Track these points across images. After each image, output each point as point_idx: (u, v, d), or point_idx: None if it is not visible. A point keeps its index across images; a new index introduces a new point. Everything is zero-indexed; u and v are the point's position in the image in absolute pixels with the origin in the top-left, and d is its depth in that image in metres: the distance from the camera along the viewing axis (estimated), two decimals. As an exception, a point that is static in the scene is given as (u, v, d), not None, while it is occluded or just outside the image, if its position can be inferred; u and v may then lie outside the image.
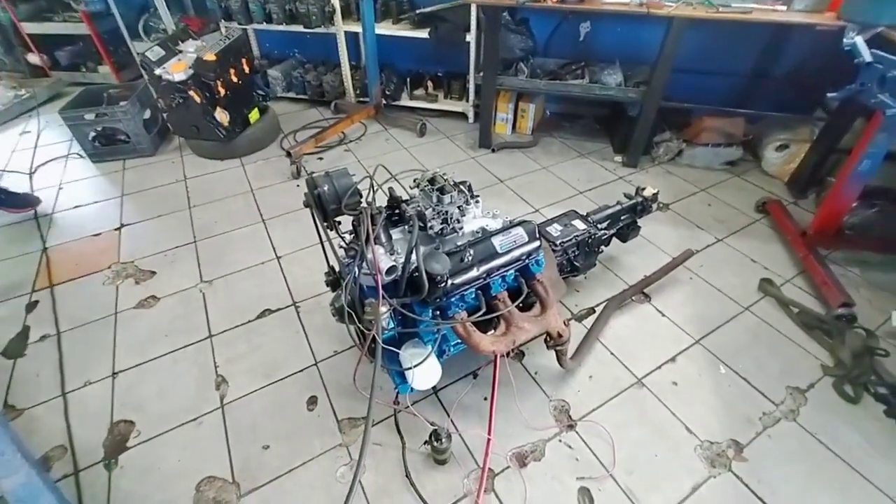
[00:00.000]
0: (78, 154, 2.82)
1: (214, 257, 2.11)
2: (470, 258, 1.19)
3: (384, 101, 3.27)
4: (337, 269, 1.44)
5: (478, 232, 1.33)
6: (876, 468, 1.38)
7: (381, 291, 1.08)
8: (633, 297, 1.90)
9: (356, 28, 3.00)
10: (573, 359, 1.59)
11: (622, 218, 1.90)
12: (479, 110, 2.99)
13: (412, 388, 1.26)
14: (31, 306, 1.86)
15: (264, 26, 3.22)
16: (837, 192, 1.87)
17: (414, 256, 1.09)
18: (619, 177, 2.71)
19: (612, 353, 1.70)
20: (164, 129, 3.00)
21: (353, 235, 1.27)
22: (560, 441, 1.43)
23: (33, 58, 3.59)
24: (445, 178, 1.27)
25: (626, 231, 1.94)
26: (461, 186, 1.34)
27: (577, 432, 1.45)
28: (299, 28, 3.09)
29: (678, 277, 2.01)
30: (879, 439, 1.45)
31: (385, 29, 2.97)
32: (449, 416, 1.48)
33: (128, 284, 1.95)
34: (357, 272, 1.12)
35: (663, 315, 1.85)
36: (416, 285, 1.13)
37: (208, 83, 2.51)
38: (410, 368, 1.17)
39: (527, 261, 1.30)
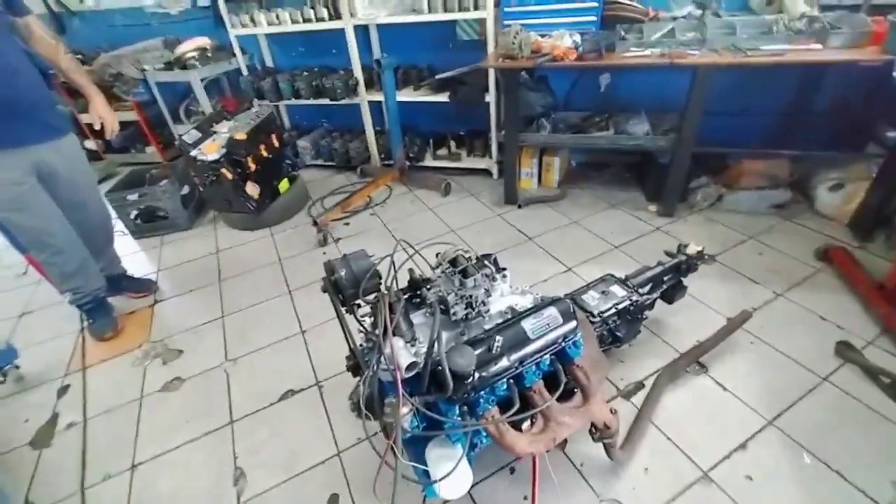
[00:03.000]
0: (122, 232, 2.97)
1: (241, 333, 2.08)
2: (499, 347, 1.08)
3: (408, 163, 3.32)
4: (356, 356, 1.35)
5: (506, 312, 1.22)
6: None
7: (400, 390, 0.98)
8: (687, 369, 1.70)
9: (379, 97, 3.11)
10: (623, 448, 1.39)
11: (665, 279, 1.75)
12: (503, 167, 2.97)
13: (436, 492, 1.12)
14: (62, 391, 1.86)
15: (293, 102, 3.40)
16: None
17: (436, 351, 0.98)
18: (656, 227, 2.56)
19: (668, 439, 1.48)
20: (200, 203, 3.14)
21: (372, 320, 1.20)
22: (615, 552, 1.22)
23: (89, 143, 3.93)
24: (468, 257, 1.18)
25: (672, 292, 1.78)
26: (486, 262, 1.25)
27: (635, 541, 1.24)
28: (326, 101, 3.24)
29: (737, 342, 1.79)
30: None
31: (406, 96, 3.07)
32: (485, 520, 1.30)
33: (156, 365, 1.94)
34: (375, 367, 1.02)
35: (725, 389, 1.63)
36: (439, 380, 1.02)
37: (239, 160, 2.62)
38: (437, 481, 1.03)
39: (563, 344, 1.17)
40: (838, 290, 2.00)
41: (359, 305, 1.22)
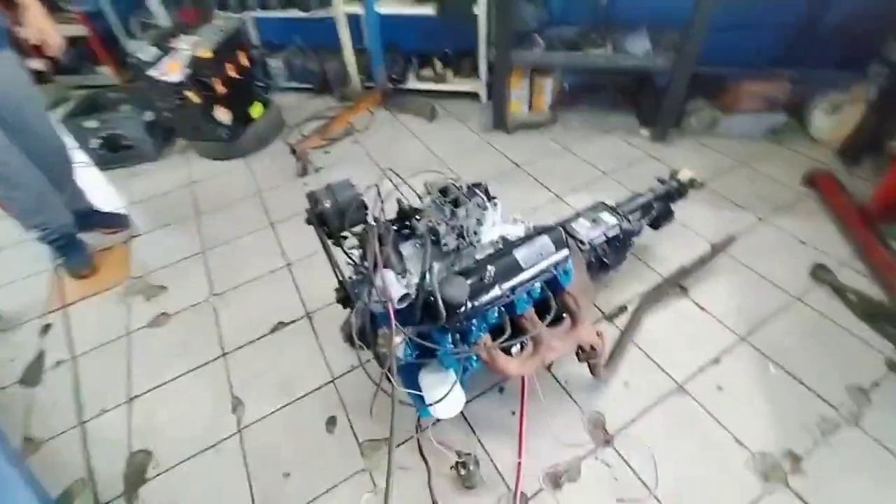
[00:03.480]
0: (86, 163, 2.77)
1: (225, 267, 2.04)
2: (491, 276, 1.07)
3: (391, 86, 3.09)
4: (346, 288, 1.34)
5: (498, 242, 1.20)
6: (956, 480, 1.23)
7: (393, 322, 0.98)
8: (669, 292, 1.75)
9: (357, 9, 2.80)
10: (607, 367, 1.47)
11: (655, 206, 1.73)
12: (493, 89, 2.79)
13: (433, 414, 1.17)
14: (44, 329, 1.84)
15: (260, 13, 3.04)
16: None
17: (429, 282, 0.97)
18: (648, 154, 2.50)
19: (648, 357, 1.57)
20: (168, 131, 2.91)
21: (361, 251, 1.17)
22: (596, 459, 1.33)
23: (35, 63, 3.51)
24: (459, 186, 1.13)
25: (660, 218, 1.77)
26: (477, 191, 1.20)
27: (614, 448, 1.35)
28: (297, 14, 2.91)
29: (718, 266, 1.84)
30: (959, 446, 1.30)
31: (387, 7, 2.77)
32: (475, 434, 1.39)
33: (139, 301, 1.91)
34: (367, 299, 1.01)
35: (703, 310, 1.70)
36: (432, 311, 1.02)
37: (206, 82, 2.39)
38: (433, 405, 1.07)
39: (554, 272, 1.17)
40: (820, 215, 2.04)
41: (345, 237, 1.18)
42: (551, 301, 1.19)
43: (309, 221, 1.17)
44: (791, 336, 1.59)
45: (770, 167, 2.32)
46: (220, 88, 2.46)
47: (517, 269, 1.11)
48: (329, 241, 1.17)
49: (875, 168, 2.22)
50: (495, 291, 1.08)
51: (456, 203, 1.08)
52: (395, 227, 1.16)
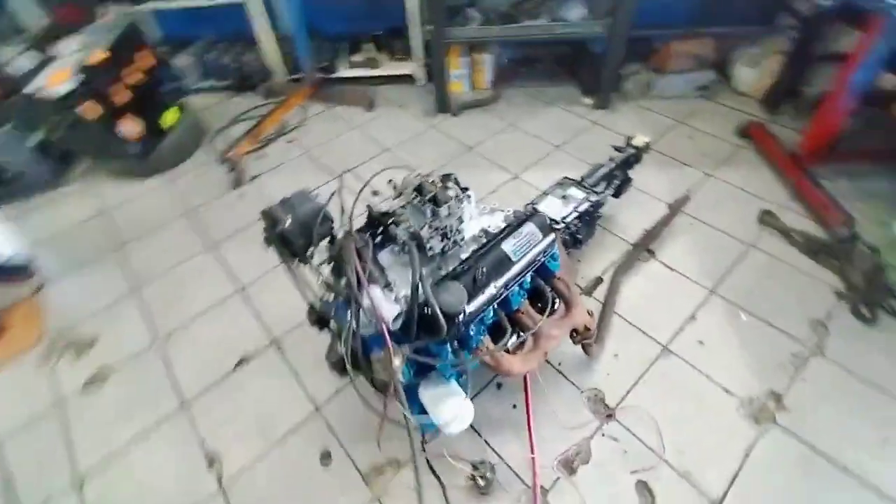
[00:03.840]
0: (-39, 203, 2.31)
1: (164, 304, 1.80)
2: (483, 275, 0.99)
3: (321, 76, 2.86)
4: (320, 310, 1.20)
5: (480, 236, 1.12)
6: (907, 388, 1.37)
7: (390, 344, 0.87)
8: (640, 257, 1.78)
9: (269, -8, 2.53)
10: (597, 342, 1.47)
11: (616, 174, 1.74)
12: (431, 70, 2.67)
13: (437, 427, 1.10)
14: (-49, 413, 1.52)
15: (159, 3, 2.66)
16: (830, 107, 1.77)
17: (422, 293, 0.87)
18: (594, 122, 2.52)
19: (630, 324, 1.59)
20: (66, 152, 2.49)
21: (331, 267, 1.04)
22: (603, 435, 1.33)
23: None
24: (433, 181, 1.03)
25: (621, 187, 1.79)
26: (448, 184, 1.11)
27: (618, 421, 1.36)
28: (202, 0, 2.57)
29: (678, 224, 1.90)
30: (906, 359, 1.44)
31: (304, -11, 2.52)
32: (481, 436, 1.34)
33: (67, 361, 1.63)
34: (355, 324, 0.90)
35: (672, 270, 1.75)
36: (428, 323, 0.93)
37: (103, 90, 2.05)
38: (444, 426, 0.99)
39: (543, 259, 1.12)
40: (758, 164, 2.16)
41: (312, 255, 1.05)
42: (544, 290, 1.15)
43: (269, 243, 1.02)
44: (752, 281, 1.68)
45: (706, 123, 2.43)
46: (122, 97, 2.13)
47: (508, 262, 1.05)
48: (295, 263, 1.03)
49: (794, 113, 2.39)
50: (490, 290, 1.01)
51: (435, 201, 0.98)
52: (371, 239, 1.04)
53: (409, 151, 2.43)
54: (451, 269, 1.02)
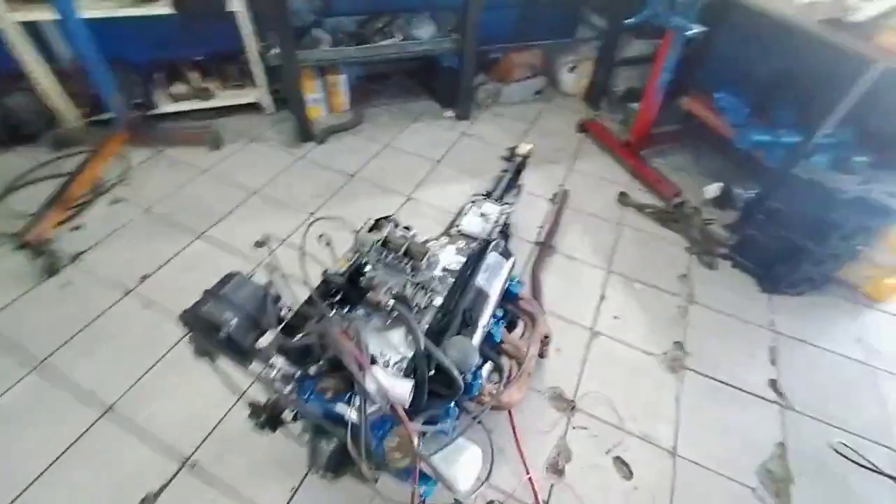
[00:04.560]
0: None
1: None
2: (470, 318, 0.94)
3: (138, 114, 2.30)
4: (271, 404, 0.98)
5: (445, 276, 1.06)
6: (749, 309, 1.81)
7: (409, 426, 0.76)
8: (547, 254, 1.95)
9: (43, 15, 1.90)
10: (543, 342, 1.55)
11: (512, 183, 1.85)
12: (283, 96, 2.43)
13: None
14: None
15: None
16: (648, 102, 2.21)
17: (440, 360, 0.78)
18: (462, 133, 2.64)
19: (560, 317, 1.72)
20: None
21: (283, 358, 0.85)
22: (574, 428, 1.42)
23: None
24: (399, 230, 0.92)
25: (518, 194, 1.91)
26: (402, 230, 1.02)
27: (580, 410, 1.46)
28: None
29: (563, 218, 2.13)
30: (740, 287, 1.90)
31: (97, 10, 1.97)
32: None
33: None
34: (364, 420, 0.75)
35: (574, 259, 1.96)
36: (444, 384, 0.83)
37: None
38: (463, 485, 0.90)
39: (509, 284, 1.12)
40: (600, 153, 2.58)
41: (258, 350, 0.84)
42: (514, 313, 1.15)
43: (203, 355, 0.79)
44: (632, 254, 2.00)
45: (552, 123, 2.79)
46: None
47: (485, 297, 1.02)
48: (247, 364, 0.81)
49: (609, 107, 2.93)
50: (479, 332, 0.97)
51: (410, 255, 0.88)
52: (335, 304, 0.88)
53: (283, 190, 2.16)
54: (430, 317, 0.94)
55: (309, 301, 0.84)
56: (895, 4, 1.44)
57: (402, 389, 0.76)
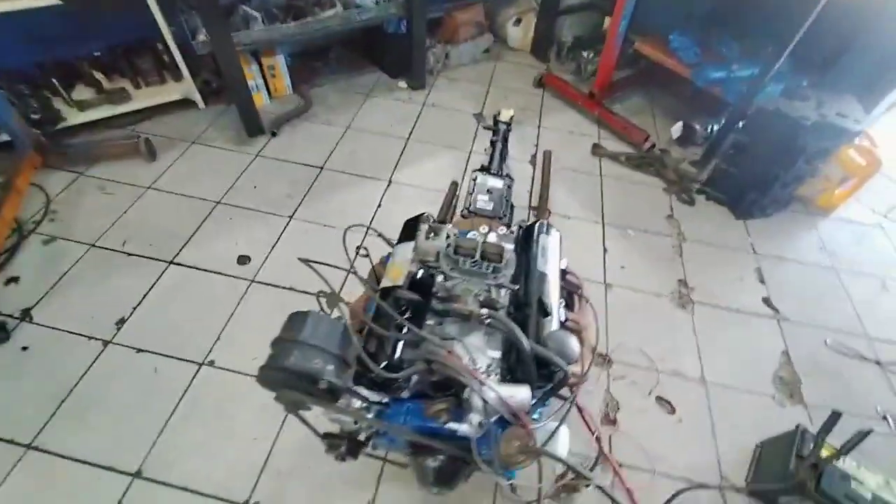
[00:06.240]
0: None
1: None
2: (547, 306, 0.91)
3: (38, 132, 1.90)
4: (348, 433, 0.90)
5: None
6: (730, 237, 1.97)
7: (530, 428, 0.73)
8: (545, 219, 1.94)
9: None
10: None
11: (505, 152, 1.80)
12: (221, 87, 2.13)
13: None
14: None
15: None
16: (608, 52, 2.22)
17: (548, 358, 0.75)
18: (422, 103, 2.50)
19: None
20: None
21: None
22: (614, 379, 1.48)
23: None
24: (476, 239, 0.84)
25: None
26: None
27: (616, 361, 1.52)
28: None
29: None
30: (718, 218, 2.05)
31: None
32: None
33: None
34: (497, 438, 0.71)
35: (570, 217, 1.99)
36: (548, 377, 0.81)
37: None
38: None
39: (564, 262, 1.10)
40: (564, 107, 2.57)
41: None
42: (569, 289, 1.14)
43: (294, 409, 0.70)
44: (618, 203, 2.07)
45: (508, 81, 2.72)
46: None
47: (547, 280, 0.99)
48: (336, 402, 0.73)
49: (557, 58, 2.91)
50: (555, 317, 0.94)
51: (487, 258, 0.82)
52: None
53: (250, 194, 1.93)
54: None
55: (397, 327, 0.76)
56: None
57: (523, 396, 0.73)
